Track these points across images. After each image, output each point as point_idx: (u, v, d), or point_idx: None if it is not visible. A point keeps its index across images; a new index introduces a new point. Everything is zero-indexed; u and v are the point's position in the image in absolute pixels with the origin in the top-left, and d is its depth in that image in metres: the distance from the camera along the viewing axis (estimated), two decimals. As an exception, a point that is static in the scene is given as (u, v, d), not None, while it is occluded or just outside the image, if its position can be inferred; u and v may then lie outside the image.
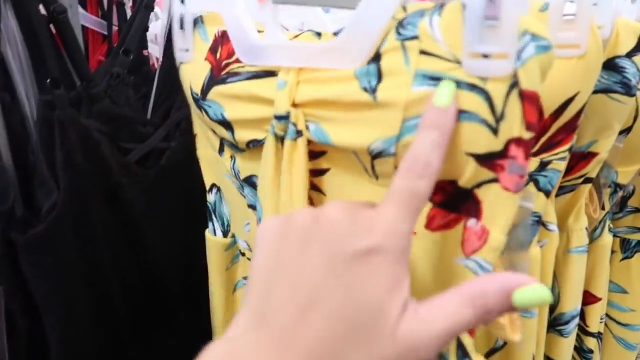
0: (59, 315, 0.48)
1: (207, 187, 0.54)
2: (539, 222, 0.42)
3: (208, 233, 0.55)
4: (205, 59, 0.47)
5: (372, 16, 0.31)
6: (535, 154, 0.41)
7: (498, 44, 0.27)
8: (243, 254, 0.54)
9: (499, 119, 0.28)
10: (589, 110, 0.42)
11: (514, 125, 0.27)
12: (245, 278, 0.55)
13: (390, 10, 0.31)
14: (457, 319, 0.22)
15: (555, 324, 0.56)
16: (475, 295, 0.23)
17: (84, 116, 0.52)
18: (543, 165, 0.41)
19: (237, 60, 0.44)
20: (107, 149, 0.50)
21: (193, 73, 0.48)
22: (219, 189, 0.54)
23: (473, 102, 0.28)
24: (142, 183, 0.54)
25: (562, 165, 0.41)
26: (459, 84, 0.29)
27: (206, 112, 0.46)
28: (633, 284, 0.69)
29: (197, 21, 0.48)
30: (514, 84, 0.27)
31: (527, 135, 0.27)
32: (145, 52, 0.85)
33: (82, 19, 0.85)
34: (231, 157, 0.49)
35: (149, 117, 0.68)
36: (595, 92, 0.43)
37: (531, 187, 0.41)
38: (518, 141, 0.27)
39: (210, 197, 0.55)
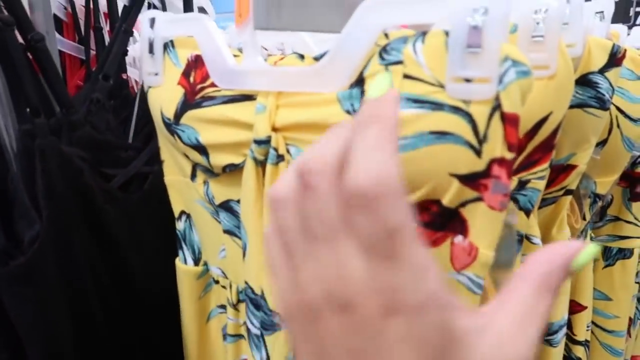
0: (43, 347, 0.47)
1: (176, 215, 0.53)
2: (521, 240, 0.43)
3: (178, 262, 0.53)
4: (178, 83, 0.46)
5: (355, 42, 0.32)
6: (513, 173, 0.41)
7: (480, 69, 0.28)
8: (217, 282, 0.53)
9: (482, 140, 0.28)
10: (566, 124, 0.43)
11: (497, 146, 0.28)
12: (219, 306, 0.54)
13: (373, 37, 0.31)
14: (543, 311, 0.20)
15: (544, 334, 0.56)
16: (545, 277, 0.20)
17: (64, 143, 0.51)
18: (522, 184, 0.41)
19: (213, 84, 0.43)
20: (89, 176, 0.49)
21: (164, 97, 0.47)
22: (188, 216, 0.53)
23: (456, 125, 0.29)
24: (126, 208, 0.53)
25: (541, 184, 0.42)
26: (442, 106, 0.29)
27: (179, 137, 0.46)
28: (616, 291, 0.71)
29: (168, 45, 0.47)
30: (496, 106, 0.28)
31: (509, 155, 0.28)
32: (124, 76, 0.84)
33: (59, 44, 0.84)
34: (204, 182, 0.48)
35: (131, 142, 0.67)
36: (571, 107, 0.44)
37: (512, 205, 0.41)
38: (501, 161, 0.28)
39: (180, 225, 0.53)
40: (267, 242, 0.23)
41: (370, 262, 0.19)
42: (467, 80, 0.28)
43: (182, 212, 0.53)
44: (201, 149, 0.45)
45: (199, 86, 0.45)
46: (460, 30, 0.28)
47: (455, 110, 0.29)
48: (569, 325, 0.62)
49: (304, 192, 0.21)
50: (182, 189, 0.51)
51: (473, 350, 0.19)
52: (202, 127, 0.44)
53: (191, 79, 0.45)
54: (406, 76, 0.31)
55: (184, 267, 0.53)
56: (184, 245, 0.53)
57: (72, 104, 0.53)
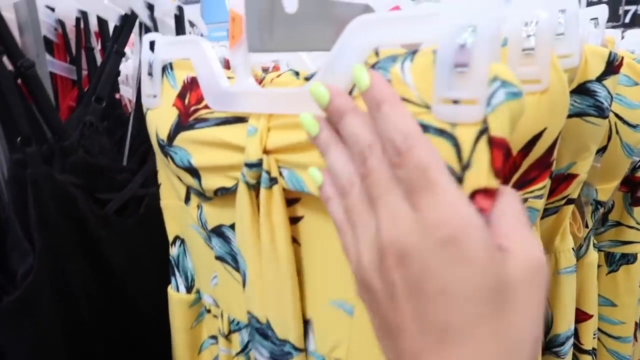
0: (40, 381, 0.46)
1: (170, 240, 0.52)
2: None
3: (171, 289, 0.52)
4: (173, 104, 0.45)
5: (343, 62, 0.31)
6: None
7: (468, 90, 0.26)
8: (209, 311, 0.51)
9: (465, 167, 0.26)
10: (565, 133, 0.42)
11: (481, 175, 0.25)
12: (211, 337, 0.52)
13: (362, 56, 0.30)
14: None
15: (551, 345, 0.55)
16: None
17: (57, 170, 0.50)
18: None
19: (206, 106, 0.43)
20: (83, 203, 0.48)
21: (160, 119, 0.46)
22: (182, 242, 0.52)
23: (441, 148, 0.27)
24: (121, 234, 0.53)
25: (539, 204, 0.40)
26: (427, 128, 0.27)
27: (172, 159, 0.45)
28: (621, 296, 0.70)
29: (166, 68, 0.47)
30: (484, 130, 0.26)
31: (494, 183, 0.25)
32: (117, 95, 0.84)
33: (51, 65, 0.83)
34: (198, 206, 0.47)
35: (126, 164, 0.67)
36: (569, 116, 0.44)
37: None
38: (485, 192, 0.25)
39: (174, 251, 0.52)
40: (339, 232, 0.28)
41: (414, 202, 0.23)
42: (455, 102, 0.27)
43: (177, 237, 0.52)
44: (193, 172, 0.44)
45: (192, 108, 0.44)
46: (448, 49, 0.26)
47: (441, 133, 0.27)
48: (576, 334, 0.61)
49: (365, 174, 0.26)
50: (178, 213, 0.50)
51: (508, 263, 0.22)
52: (194, 149, 0.43)
53: (186, 101, 0.45)
54: None
55: (176, 294, 0.51)
56: (177, 272, 0.52)
57: (64, 130, 0.53)
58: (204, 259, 0.49)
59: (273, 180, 0.39)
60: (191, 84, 0.45)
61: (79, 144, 0.57)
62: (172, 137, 0.45)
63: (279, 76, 0.45)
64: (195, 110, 0.44)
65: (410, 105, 0.29)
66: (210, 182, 0.43)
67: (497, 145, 0.25)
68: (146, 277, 0.56)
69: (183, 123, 0.44)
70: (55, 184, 0.45)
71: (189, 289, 0.51)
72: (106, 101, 0.67)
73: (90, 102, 0.63)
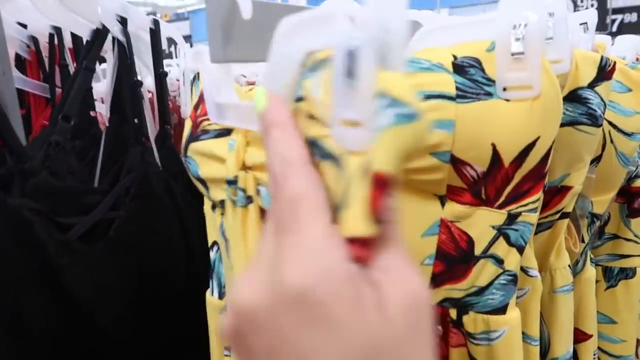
0: None
1: (210, 244, 0.53)
2: (514, 280, 0.38)
3: (208, 292, 0.52)
4: (189, 115, 0.47)
5: (274, 78, 0.25)
6: (501, 206, 0.36)
7: (356, 108, 0.20)
8: None
9: (345, 205, 0.20)
10: (558, 144, 0.40)
11: (356, 218, 0.20)
12: (226, 348, 0.50)
13: (294, 64, 0.24)
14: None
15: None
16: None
17: (17, 194, 0.47)
18: (512, 218, 0.36)
19: (208, 118, 0.43)
20: (42, 229, 0.45)
21: (185, 128, 0.48)
22: (219, 248, 0.51)
23: (338, 181, 0.22)
24: (86, 261, 0.49)
25: (533, 217, 0.37)
26: (327, 155, 0.22)
27: (189, 168, 0.46)
28: (621, 313, 0.67)
29: (195, 78, 0.48)
30: (368, 161, 0.20)
31: (370, 231, 0.20)
32: (92, 113, 0.80)
33: (22, 83, 0.80)
34: (222, 214, 0.47)
35: (97, 184, 0.63)
36: (561, 125, 0.41)
37: (502, 242, 0.37)
38: (361, 242, 0.20)
39: (212, 255, 0.52)
40: None
41: (278, 243, 0.20)
42: (354, 124, 0.21)
43: (215, 243, 0.51)
44: (202, 182, 0.45)
45: (200, 119, 0.45)
46: (340, 54, 0.20)
47: (338, 162, 0.21)
48: (575, 355, 0.57)
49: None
50: (212, 219, 0.51)
51: (389, 295, 0.19)
52: (200, 160, 0.45)
53: (198, 112, 0.46)
54: (309, 116, 0.24)
55: (210, 298, 0.51)
56: (213, 276, 0.52)
57: (24, 151, 0.49)
58: (226, 267, 0.48)
59: (249, 199, 0.38)
60: (203, 95, 0.45)
61: (43, 165, 0.53)
62: (185, 147, 0.46)
63: (251, 90, 0.44)
64: (201, 122, 0.45)
65: (316, 125, 0.23)
66: (215, 194, 0.44)
67: (377, 181, 0.19)
68: (117, 306, 0.53)
69: (193, 134, 0.46)
70: (7, 210, 0.42)
71: (220, 295, 0.50)
72: (77, 119, 0.64)
73: (57, 120, 0.60)
